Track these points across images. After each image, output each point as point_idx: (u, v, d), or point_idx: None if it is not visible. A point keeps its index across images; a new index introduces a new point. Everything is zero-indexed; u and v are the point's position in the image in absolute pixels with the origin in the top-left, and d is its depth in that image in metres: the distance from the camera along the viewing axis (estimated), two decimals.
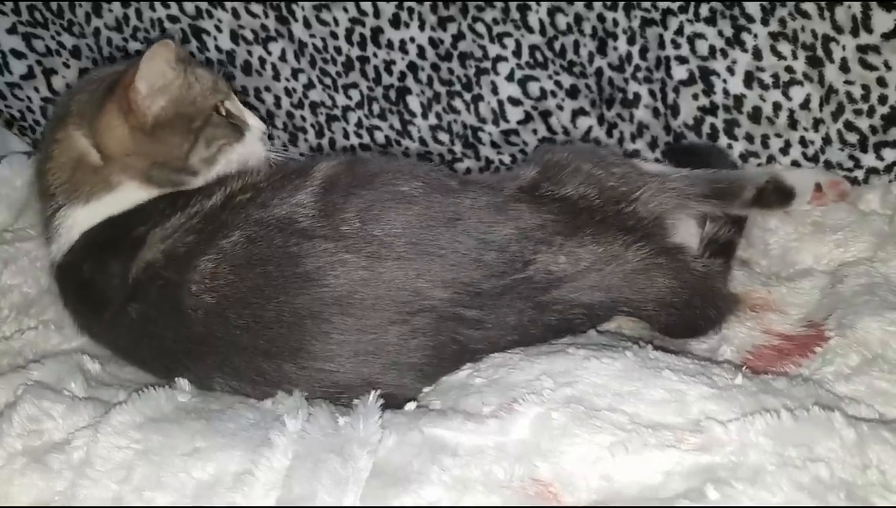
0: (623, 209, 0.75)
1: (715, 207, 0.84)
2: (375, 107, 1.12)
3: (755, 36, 0.93)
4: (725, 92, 0.97)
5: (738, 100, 0.97)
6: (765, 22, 0.92)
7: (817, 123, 0.96)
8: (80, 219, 0.79)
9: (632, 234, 0.73)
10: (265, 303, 0.69)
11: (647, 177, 0.80)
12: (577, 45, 1.00)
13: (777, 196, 0.88)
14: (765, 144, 0.99)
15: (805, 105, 0.95)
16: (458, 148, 1.12)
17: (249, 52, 1.11)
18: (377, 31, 1.05)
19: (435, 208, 0.71)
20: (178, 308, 0.70)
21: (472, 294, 0.68)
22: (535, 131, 1.08)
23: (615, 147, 1.06)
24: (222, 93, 0.85)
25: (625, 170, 0.80)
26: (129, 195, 0.80)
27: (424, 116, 1.11)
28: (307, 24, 1.06)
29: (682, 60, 0.97)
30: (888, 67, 0.88)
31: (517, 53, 1.03)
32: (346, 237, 0.69)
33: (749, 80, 0.96)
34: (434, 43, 1.04)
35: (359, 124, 1.14)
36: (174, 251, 0.72)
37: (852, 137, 0.94)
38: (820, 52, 0.91)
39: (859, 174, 0.96)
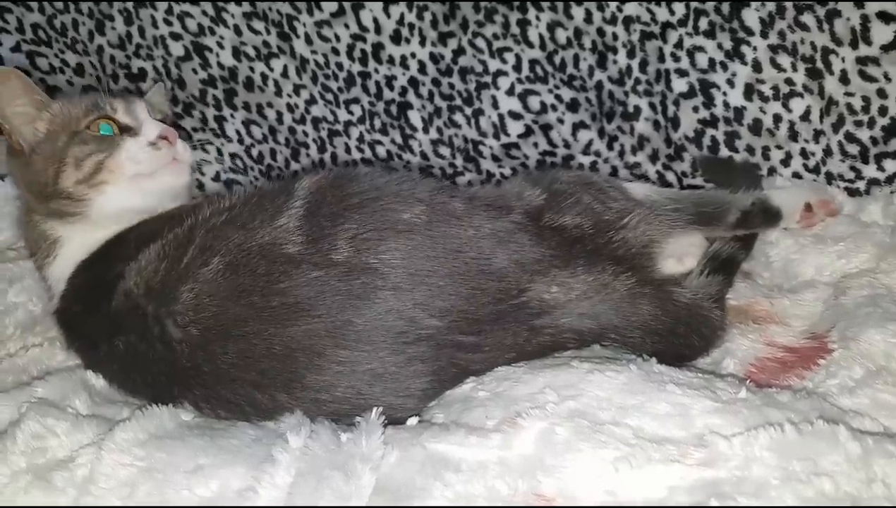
0: (612, 237, 0.76)
1: (701, 232, 0.85)
2: (377, 122, 1.12)
3: (755, 48, 0.93)
4: (726, 104, 0.98)
5: (739, 112, 0.98)
6: (764, 34, 0.92)
7: (818, 135, 0.96)
8: (57, 271, 0.81)
9: (620, 264, 0.74)
10: (252, 336, 0.67)
11: (637, 205, 0.81)
12: (576, 58, 1.01)
13: (763, 218, 0.89)
14: (766, 156, 1.00)
15: (805, 117, 0.95)
16: (459, 162, 1.13)
17: (251, 69, 1.12)
18: (378, 47, 1.06)
19: (437, 239, 0.69)
20: (163, 339, 0.69)
21: (470, 321, 0.68)
22: (535, 145, 1.08)
23: (615, 159, 1.07)
24: (102, 110, 0.84)
25: (621, 205, 0.80)
26: (75, 242, 0.81)
27: (425, 131, 1.11)
28: (309, 41, 1.07)
29: (682, 73, 0.98)
30: (888, 79, 0.89)
31: (517, 68, 1.03)
32: (337, 265, 0.67)
33: (749, 92, 0.96)
34: (435, 58, 1.05)
35: (360, 139, 1.14)
36: (150, 279, 0.71)
37: (853, 149, 0.95)
38: (820, 64, 0.91)
39: (861, 185, 0.96)
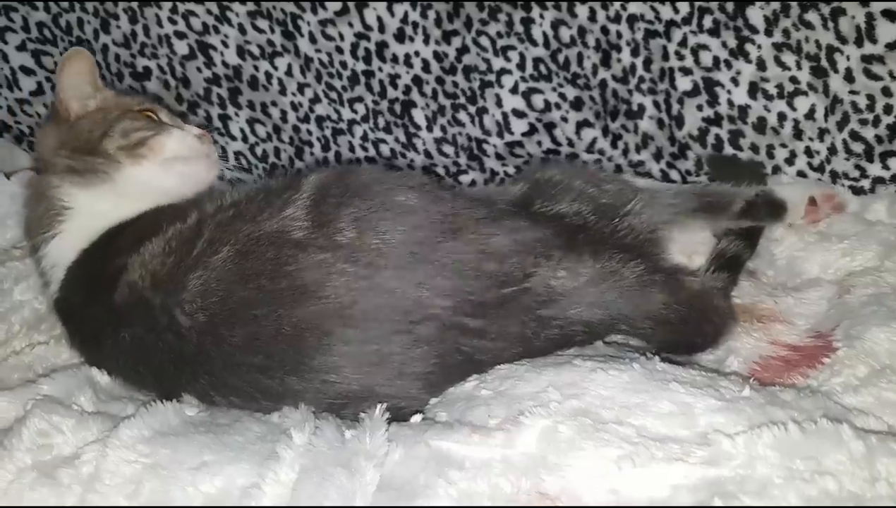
0: (617, 225, 0.76)
1: (705, 221, 0.85)
2: (381, 121, 1.12)
3: (759, 47, 0.93)
4: (730, 102, 0.97)
5: (743, 110, 0.97)
6: (768, 33, 0.92)
7: (822, 133, 0.96)
8: (55, 252, 0.82)
9: (628, 252, 0.73)
10: (261, 319, 0.67)
11: (638, 191, 0.81)
12: (580, 57, 1.01)
13: (768, 209, 0.89)
14: (770, 155, 0.99)
15: (810, 115, 0.95)
16: (462, 160, 1.13)
17: (256, 67, 1.12)
18: (382, 46, 1.06)
19: (433, 218, 0.70)
20: (171, 329, 0.69)
21: (475, 303, 0.68)
22: (539, 143, 1.08)
23: (619, 158, 1.07)
24: (151, 104, 0.91)
25: (617, 187, 0.81)
26: (83, 217, 0.82)
27: (429, 129, 1.11)
28: (313, 40, 1.07)
29: (686, 71, 0.97)
30: (893, 77, 0.88)
31: (521, 66, 1.03)
32: (342, 247, 0.68)
33: (753, 90, 0.96)
34: (438, 56, 1.05)
35: (364, 137, 1.14)
36: (156, 272, 0.71)
37: (858, 147, 0.94)
38: (824, 63, 0.91)
39: (865, 184, 0.96)
